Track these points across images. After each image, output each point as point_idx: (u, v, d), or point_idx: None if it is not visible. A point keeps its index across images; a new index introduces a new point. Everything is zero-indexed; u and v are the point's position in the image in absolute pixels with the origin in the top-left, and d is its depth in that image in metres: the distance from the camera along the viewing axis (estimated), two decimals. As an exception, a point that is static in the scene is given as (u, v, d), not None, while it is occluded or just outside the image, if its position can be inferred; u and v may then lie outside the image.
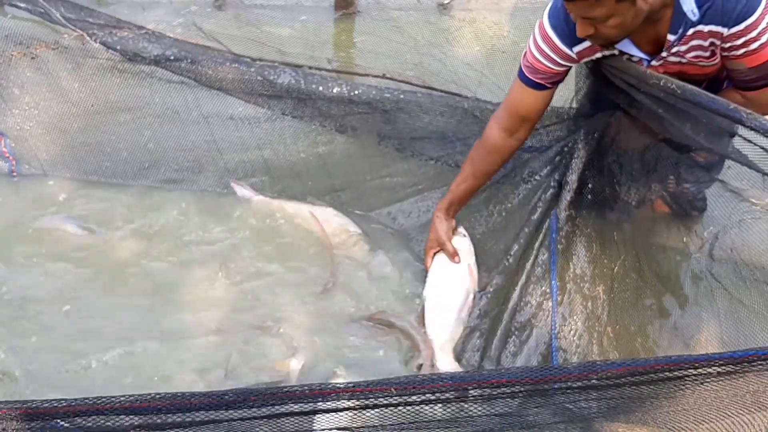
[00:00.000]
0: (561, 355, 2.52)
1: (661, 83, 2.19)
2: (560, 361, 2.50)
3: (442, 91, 3.66)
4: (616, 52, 2.36)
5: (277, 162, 3.32)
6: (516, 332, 2.61)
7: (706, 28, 2.17)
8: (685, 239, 2.82)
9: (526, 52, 2.49)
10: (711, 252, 2.68)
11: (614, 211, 2.78)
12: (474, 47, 4.39)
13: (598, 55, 2.40)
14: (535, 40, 2.44)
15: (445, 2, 4.84)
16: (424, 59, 4.13)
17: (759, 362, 1.48)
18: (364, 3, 4.83)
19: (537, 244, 2.72)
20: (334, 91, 3.03)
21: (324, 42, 4.48)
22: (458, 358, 2.57)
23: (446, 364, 2.52)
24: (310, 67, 3.87)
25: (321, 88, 3.04)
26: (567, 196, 2.72)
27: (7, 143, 3.37)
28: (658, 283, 2.73)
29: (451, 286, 2.73)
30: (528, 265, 2.71)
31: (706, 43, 2.22)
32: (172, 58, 3.09)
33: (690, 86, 2.15)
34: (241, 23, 4.56)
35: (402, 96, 3.08)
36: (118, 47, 3.12)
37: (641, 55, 2.33)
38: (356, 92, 3.05)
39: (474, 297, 2.72)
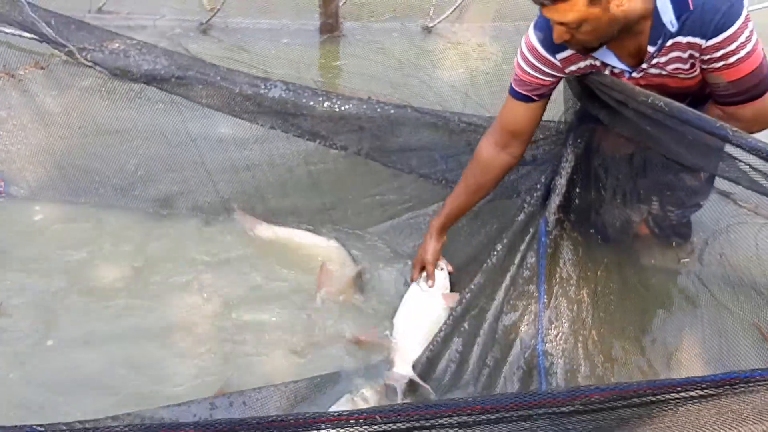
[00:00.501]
0: (548, 359, 2.51)
1: (649, 100, 2.20)
2: (547, 365, 2.50)
3: (429, 111, 3.72)
4: (597, 62, 2.38)
5: (266, 182, 3.30)
6: (502, 335, 2.60)
7: (684, 40, 2.20)
8: (673, 243, 2.84)
9: (515, 66, 2.52)
10: (700, 257, 2.72)
11: (600, 215, 2.78)
12: (458, 69, 4.44)
13: (582, 64, 2.41)
14: (521, 52, 2.47)
15: (430, 25, 4.88)
16: (408, 80, 4.21)
17: (740, 385, 1.49)
18: (349, 26, 4.86)
19: (524, 247, 2.71)
20: (325, 105, 3.02)
21: (309, 64, 4.47)
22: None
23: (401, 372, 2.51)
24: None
25: (312, 102, 3.02)
26: (556, 200, 2.71)
27: None
28: (641, 288, 2.75)
29: (421, 313, 2.72)
30: (514, 269, 2.69)
31: (686, 55, 2.24)
32: (163, 72, 3.03)
33: (677, 103, 2.16)
34: (226, 46, 4.58)
35: (392, 111, 3.06)
36: (108, 63, 3.06)
37: (622, 66, 2.35)
38: (346, 107, 3.03)
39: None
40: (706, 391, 1.52)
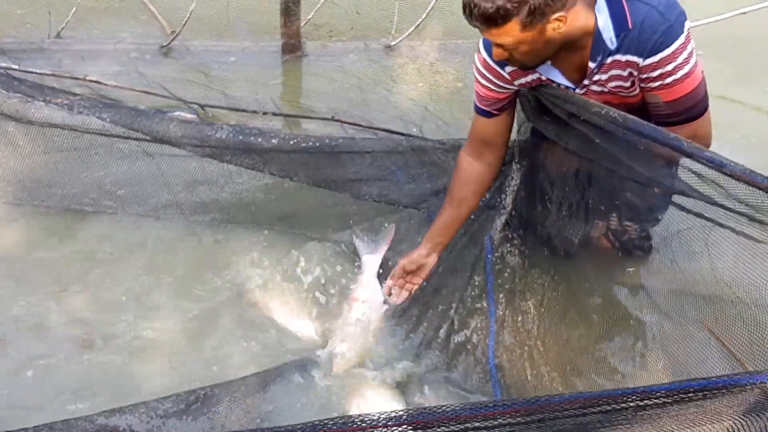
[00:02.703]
0: (499, 375, 2.51)
1: (603, 111, 2.20)
2: (499, 379, 2.49)
3: (388, 131, 3.75)
4: (543, 77, 2.40)
5: (224, 194, 3.32)
6: (453, 352, 2.60)
7: (623, 58, 2.23)
8: (620, 254, 2.84)
9: (474, 83, 2.55)
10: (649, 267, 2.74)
11: (549, 230, 2.79)
12: (418, 84, 4.49)
13: (528, 78, 2.43)
14: (475, 67, 2.51)
15: (392, 44, 4.89)
16: (369, 97, 4.27)
17: (698, 392, 1.48)
18: (311, 46, 4.87)
19: (470, 266, 2.73)
20: (273, 142, 3.04)
21: (271, 86, 4.47)
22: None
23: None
24: (256, 112, 3.92)
25: (260, 140, 3.05)
26: (501, 218, 2.76)
27: None
28: (598, 299, 2.75)
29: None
30: (461, 286, 2.71)
31: (625, 73, 2.27)
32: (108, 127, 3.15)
33: (631, 116, 2.16)
34: (186, 69, 4.56)
35: (341, 141, 3.12)
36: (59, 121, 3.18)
37: (565, 82, 2.38)
38: (293, 141, 3.05)
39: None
40: (664, 399, 1.51)
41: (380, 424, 1.37)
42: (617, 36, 2.20)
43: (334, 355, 2.55)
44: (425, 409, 1.39)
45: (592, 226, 2.74)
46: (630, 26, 2.17)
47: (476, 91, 2.55)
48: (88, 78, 4.08)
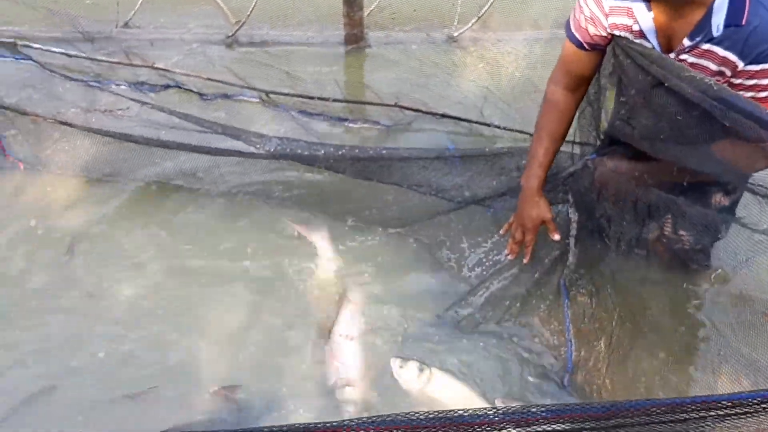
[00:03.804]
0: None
1: (698, 77, 2.04)
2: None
3: (449, 116, 3.82)
4: (637, 28, 2.24)
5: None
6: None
7: (721, 53, 2.09)
8: (686, 285, 2.80)
9: (574, 9, 2.41)
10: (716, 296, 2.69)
11: (612, 264, 2.73)
12: (480, 71, 4.48)
13: (623, 21, 2.27)
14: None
15: (455, 35, 4.85)
16: (429, 81, 4.27)
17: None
18: (373, 37, 4.87)
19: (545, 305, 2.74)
20: (319, 153, 3.09)
21: (334, 72, 4.50)
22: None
23: None
24: (319, 98, 3.94)
25: (306, 153, 3.10)
26: (570, 261, 2.73)
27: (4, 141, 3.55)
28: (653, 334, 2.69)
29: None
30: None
31: (715, 68, 2.13)
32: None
33: (728, 88, 2.03)
34: (250, 57, 4.61)
35: (384, 152, 3.13)
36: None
37: (654, 42, 2.24)
38: (340, 152, 3.09)
39: None
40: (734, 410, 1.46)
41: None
42: (726, 26, 2.05)
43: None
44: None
45: (647, 232, 2.68)
46: (743, 23, 2.03)
47: (575, 17, 2.40)
48: (156, 65, 4.17)
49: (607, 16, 2.29)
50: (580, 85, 2.58)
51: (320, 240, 3.10)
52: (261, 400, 2.53)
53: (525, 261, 2.76)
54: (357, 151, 3.10)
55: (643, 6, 2.18)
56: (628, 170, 2.52)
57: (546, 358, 2.66)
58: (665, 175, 2.47)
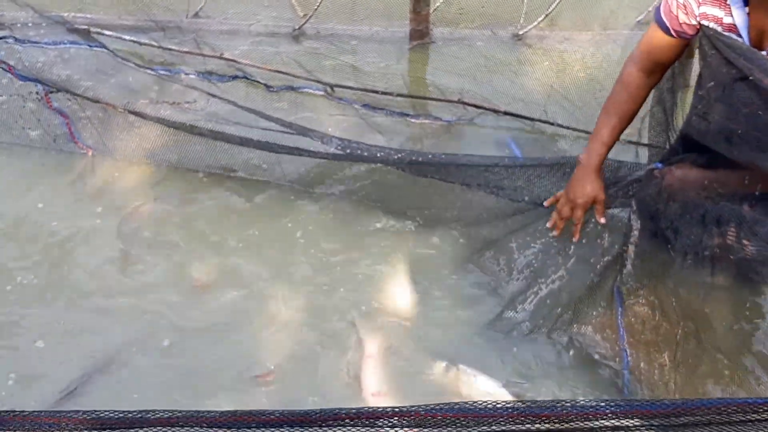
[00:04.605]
0: None
1: None
2: None
3: (512, 114, 3.85)
4: (729, 20, 2.21)
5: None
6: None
7: None
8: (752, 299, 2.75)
9: None
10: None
11: (672, 278, 2.68)
12: (545, 68, 4.44)
13: (713, 11, 2.23)
14: None
15: (520, 33, 4.83)
16: (494, 77, 4.25)
17: None
18: (438, 33, 4.86)
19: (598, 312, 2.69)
20: (378, 156, 3.14)
21: (399, 67, 4.53)
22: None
23: None
24: (384, 92, 3.98)
25: (365, 154, 3.14)
26: (626, 269, 2.65)
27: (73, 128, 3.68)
28: (719, 354, 2.63)
29: None
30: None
31: None
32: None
33: None
34: (316, 51, 4.66)
35: (443, 157, 3.14)
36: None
37: (746, 39, 2.19)
38: (398, 156, 3.12)
39: None
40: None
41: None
42: None
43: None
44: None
45: (709, 246, 2.59)
46: None
47: (666, 2, 2.37)
48: (224, 56, 4.25)
49: (699, 5, 2.27)
50: (657, 71, 2.56)
51: None
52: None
53: (575, 239, 2.73)
54: (415, 156, 3.11)
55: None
56: (697, 179, 2.49)
57: (600, 368, 2.64)
58: (736, 184, 2.43)
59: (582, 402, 1.35)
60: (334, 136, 3.21)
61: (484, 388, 2.56)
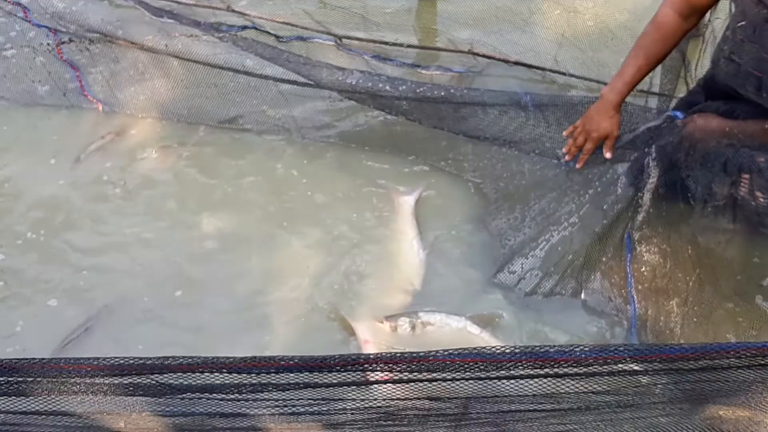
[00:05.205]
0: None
1: None
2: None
3: (523, 64, 3.79)
4: None
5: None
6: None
7: None
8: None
9: None
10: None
11: (689, 225, 2.69)
12: (554, 12, 4.35)
13: None
14: None
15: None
16: (504, 28, 4.16)
17: None
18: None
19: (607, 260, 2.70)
20: (401, 89, 3.10)
21: (409, 20, 4.44)
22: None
23: None
24: (394, 44, 3.93)
25: (387, 87, 3.11)
26: (640, 216, 2.66)
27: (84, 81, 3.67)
28: (735, 298, 2.65)
29: None
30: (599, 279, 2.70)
31: None
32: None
33: None
34: (326, 3, 4.57)
35: (465, 92, 3.11)
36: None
37: None
38: (420, 90, 3.09)
39: None
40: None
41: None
42: None
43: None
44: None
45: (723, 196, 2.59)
46: None
47: None
48: (231, 8, 4.18)
49: None
50: (694, 15, 2.53)
51: (404, 205, 3.12)
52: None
53: (578, 166, 2.76)
54: (437, 90, 3.07)
55: None
56: (720, 127, 2.47)
57: (607, 316, 2.67)
58: (759, 134, 2.41)
59: (601, 346, 1.35)
60: (356, 69, 3.21)
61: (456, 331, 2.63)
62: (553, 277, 2.74)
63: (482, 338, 2.57)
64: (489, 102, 3.04)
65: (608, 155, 2.69)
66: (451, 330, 2.60)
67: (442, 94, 3.07)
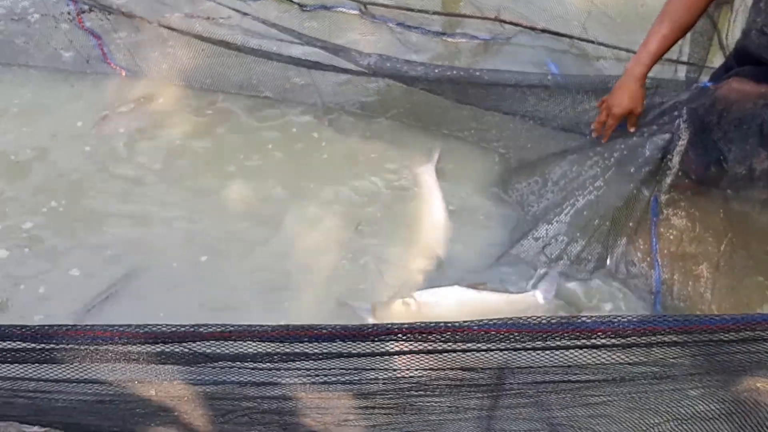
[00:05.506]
0: None
1: None
2: None
3: (550, 31, 3.75)
4: None
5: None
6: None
7: None
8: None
9: None
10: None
11: (720, 189, 2.63)
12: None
13: None
14: None
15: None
16: None
17: None
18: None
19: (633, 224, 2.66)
20: (418, 70, 3.04)
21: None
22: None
23: None
24: (420, 10, 3.88)
25: (405, 68, 3.06)
26: (668, 179, 2.60)
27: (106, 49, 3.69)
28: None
29: None
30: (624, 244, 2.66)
31: None
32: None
33: None
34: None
35: (485, 72, 3.04)
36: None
37: None
38: (437, 70, 3.05)
39: None
40: None
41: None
42: None
43: None
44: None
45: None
46: None
47: None
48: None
49: None
50: None
51: (425, 174, 3.12)
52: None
53: (603, 140, 2.72)
54: (454, 72, 3.03)
55: None
56: (754, 90, 2.41)
57: (631, 283, 2.64)
58: None
59: (640, 317, 1.32)
60: (373, 52, 3.14)
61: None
62: (579, 243, 2.71)
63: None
64: (513, 83, 2.96)
65: (632, 130, 2.65)
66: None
67: (460, 73, 3.03)
